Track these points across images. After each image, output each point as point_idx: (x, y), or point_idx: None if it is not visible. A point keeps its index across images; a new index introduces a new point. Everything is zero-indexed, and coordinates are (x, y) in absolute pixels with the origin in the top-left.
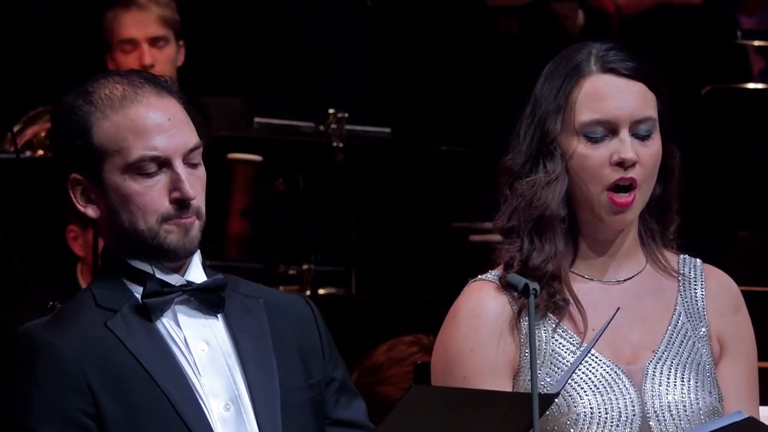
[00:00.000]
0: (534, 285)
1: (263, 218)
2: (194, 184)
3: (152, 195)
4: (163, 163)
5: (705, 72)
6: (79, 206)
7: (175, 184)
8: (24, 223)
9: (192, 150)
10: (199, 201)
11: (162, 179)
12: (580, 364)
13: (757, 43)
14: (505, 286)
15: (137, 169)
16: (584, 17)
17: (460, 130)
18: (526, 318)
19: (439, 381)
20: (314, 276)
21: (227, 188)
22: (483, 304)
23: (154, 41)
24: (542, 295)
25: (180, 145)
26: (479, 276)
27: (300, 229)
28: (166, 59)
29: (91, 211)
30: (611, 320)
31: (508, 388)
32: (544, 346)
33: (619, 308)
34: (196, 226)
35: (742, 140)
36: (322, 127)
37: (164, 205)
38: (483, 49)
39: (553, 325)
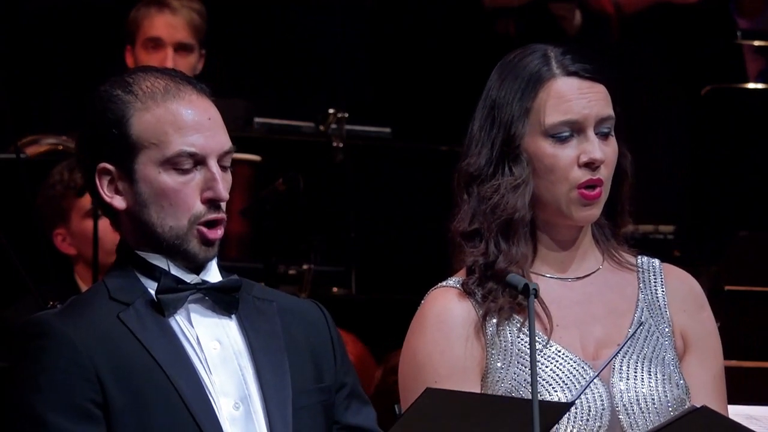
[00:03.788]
0: (534, 285)
1: (263, 218)
2: (225, 186)
3: (186, 192)
4: (199, 161)
5: (705, 72)
6: (105, 196)
7: (209, 184)
8: (24, 223)
9: (226, 153)
10: (224, 204)
11: (196, 177)
12: (587, 386)
13: (756, 43)
14: (505, 285)
15: (174, 163)
16: (581, 18)
17: (460, 130)
18: (492, 321)
19: (410, 387)
20: (314, 276)
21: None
22: (448, 309)
23: (179, 47)
24: (506, 298)
25: (217, 145)
26: (440, 283)
27: (300, 229)
28: (187, 66)
29: (118, 203)
30: (628, 339)
31: (477, 390)
32: (510, 347)
33: (642, 324)
34: (219, 237)
35: (742, 140)
36: (322, 127)
37: (196, 204)
38: (482, 49)
39: (518, 325)
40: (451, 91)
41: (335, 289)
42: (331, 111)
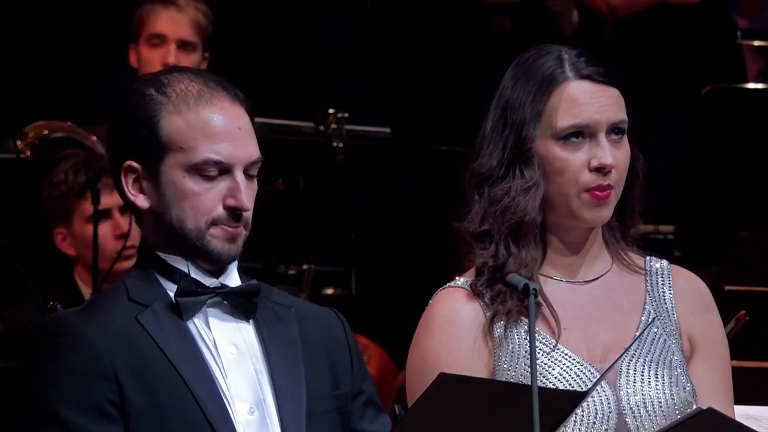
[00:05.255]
0: (534, 285)
1: (263, 218)
2: (249, 195)
3: (208, 197)
4: (225, 170)
5: (705, 72)
6: (129, 194)
7: (232, 192)
8: (24, 223)
9: (254, 163)
10: (249, 213)
11: (220, 185)
12: (599, 380)
13: (756, 43)
14: (505, 285)
15: (199, 170)
16: (579, 15)
17: (460, 130)
18: (499, 323)
19: (416, 387)
20: (314, 276)
21: None
22: (456, 310)
23: (182, 44)
24: (514, 300)
25: (244, 155)
26: (448, 284)
27: (300, 229)
28: (188, 65)
29: (141, 202)
30: (639, 336)
31: None
32: (518, 348)
33: (654, 318)
34: (242, 237)
35: (742, 140)
36: (322, 127)
37: (217, 208)
38: (482, 49)
39: (526, 327)
40: (451, 91)
41: (330, 290)
42: (331, 111)
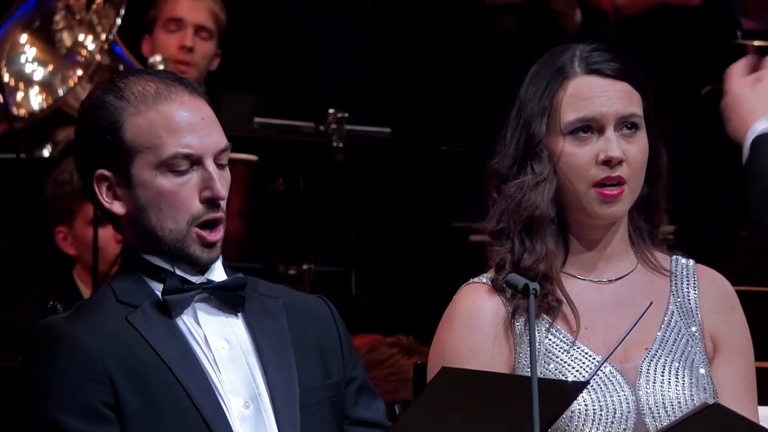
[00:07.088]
0: (534, 285)
1: (263, 218)
2: (223, 185)
3: (183, 194)
4: (195, 162)
5: (705, 72)
6: (104, 203)
7: (206, 183)
8: (24, 223)
9: (222, 151)
10: (224, 201)
11: (193, 178)
12: (599, 368)
13: (757, 43)
14: (505, 285)
15: (170, 166)
16: (582, 15)
17: (460, 130)
18: (520, 318)
19: None
20: (314, 276)
21: None
22: (478, 306)
23: (200, 29)
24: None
25: (212, 144)
26: (471, 279)
27: (300, 229)
28: (204, 51)
29: (117, 208)
30: (638, 321)
31: None
32: (538, 345)
33: (651, 303)
34: (221, 237)
35: None
36: (322, 127)
37: (195, 204)
38: (482, 47)
39: (547, 325)
40: (451, 91)
41: (335, 289)
42: (331, 111)
